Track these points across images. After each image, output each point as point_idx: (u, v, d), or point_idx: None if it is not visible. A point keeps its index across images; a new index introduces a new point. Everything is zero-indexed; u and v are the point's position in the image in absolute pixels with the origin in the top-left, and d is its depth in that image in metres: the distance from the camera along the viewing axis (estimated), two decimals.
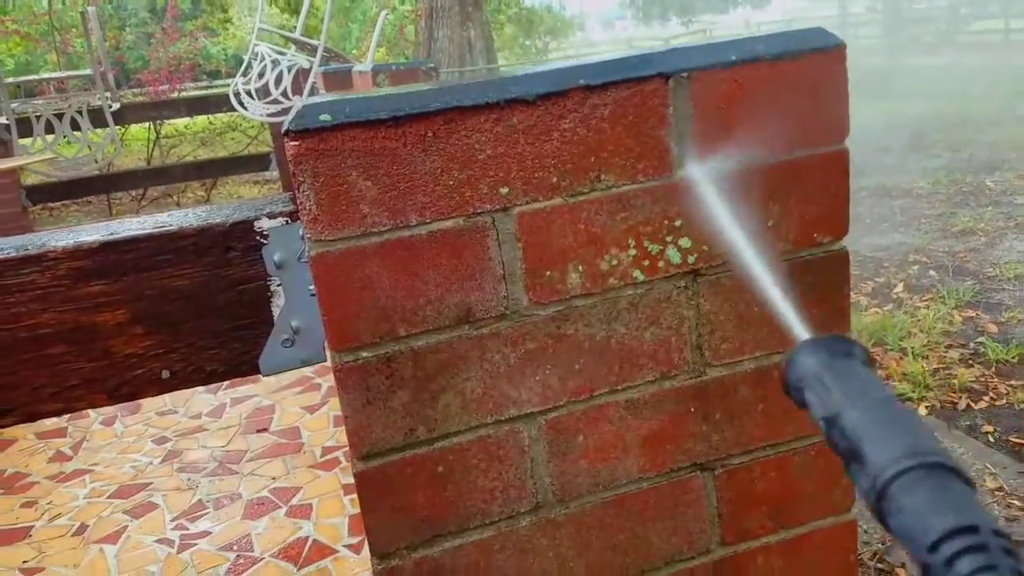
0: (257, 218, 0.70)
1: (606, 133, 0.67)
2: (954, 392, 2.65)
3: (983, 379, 2.73)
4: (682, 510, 0.78)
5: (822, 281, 0.75)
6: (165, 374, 0.68)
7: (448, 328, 0.68)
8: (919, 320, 3.23)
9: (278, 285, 0.72)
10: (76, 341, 0.64)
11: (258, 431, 2.43)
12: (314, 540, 1.84)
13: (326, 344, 0.67)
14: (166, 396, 2.63)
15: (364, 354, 0.66)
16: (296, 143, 0.60)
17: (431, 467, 0.70)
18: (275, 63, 4.16)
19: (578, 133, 0.66)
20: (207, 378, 0.69)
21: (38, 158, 4.47)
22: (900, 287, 3.69)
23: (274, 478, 2.14)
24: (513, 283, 0.69)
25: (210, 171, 6.68)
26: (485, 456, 0.72)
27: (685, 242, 0.71)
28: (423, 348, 0.68)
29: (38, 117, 4.72)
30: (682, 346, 0.74)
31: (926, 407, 2.57)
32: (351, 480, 2.06)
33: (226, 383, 2.71)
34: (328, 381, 2.74)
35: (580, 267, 0.70)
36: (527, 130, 0.65)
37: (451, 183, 0.65)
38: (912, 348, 2.94)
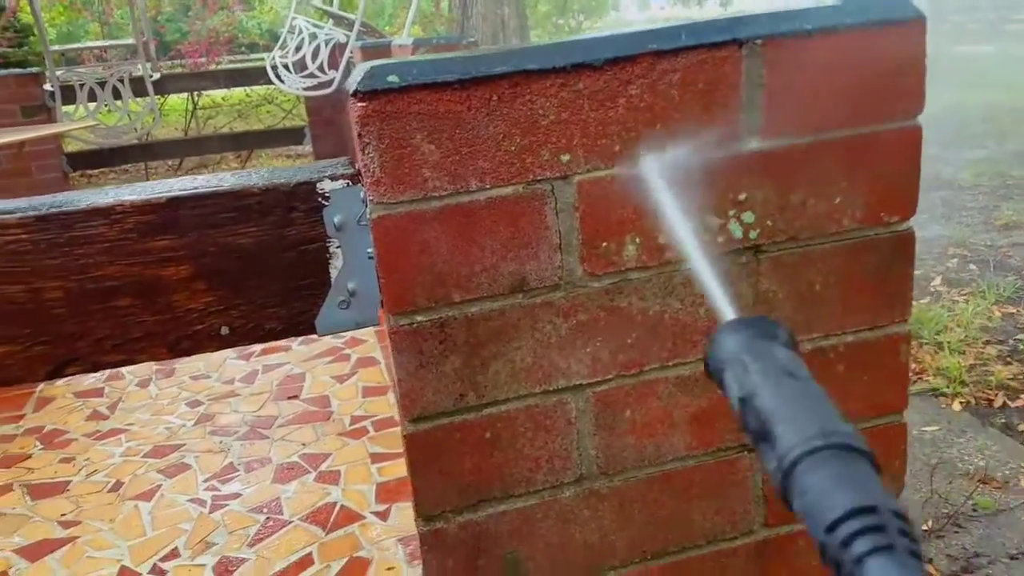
0: (320, 180, 0.70)
1: (674, 100, 0.66)
2: (990, 389, 2.59)
3: (1021, 377, 2.67)
4: (727, 490, 0.78)
5: (887, 262, 0.73)
6: (224, 330, 0.69)
7: (502, 296, 0.68)
8: (957, 315, 3.16)
9: (337, 247, 0.72)
10: (140, 294, 0.65)
11: (289, 398, 2.46)
12: (342, 506, 1.87)
13: (381, 307, 0.68)
14: (199, 362, 2.67)
15: (419, 318, 0.67)
16: (363, 104, 0.60)
17: (479, 433, 0.71)
18: (312, 36, 4.17)
19: (645, 100, 0.65)
20: (265, 336, 0.70)
21: (80, 125, 4.54)
22: (938, 280, 3.62)
23: (304, 444, 2.17)
24: (568, 253, 0.68)
25: (245, 143, 6.75)
26: (532, 425, 0.72)
27: (748, 217, 0.70)
28: (476, 315, 0.68)
29: (81, 85, 4.80)
30: None
31: (960, 403, 2.53)
32: (379, 449, 2.09)
33: (259, 350, 2.74)
34: (357, 352, 2.76)
35: (637, 239, 0.69)
36: (592, 95, 0.64)
37: (513, 149, 0.65)
38: (948, 343, 2.89)
